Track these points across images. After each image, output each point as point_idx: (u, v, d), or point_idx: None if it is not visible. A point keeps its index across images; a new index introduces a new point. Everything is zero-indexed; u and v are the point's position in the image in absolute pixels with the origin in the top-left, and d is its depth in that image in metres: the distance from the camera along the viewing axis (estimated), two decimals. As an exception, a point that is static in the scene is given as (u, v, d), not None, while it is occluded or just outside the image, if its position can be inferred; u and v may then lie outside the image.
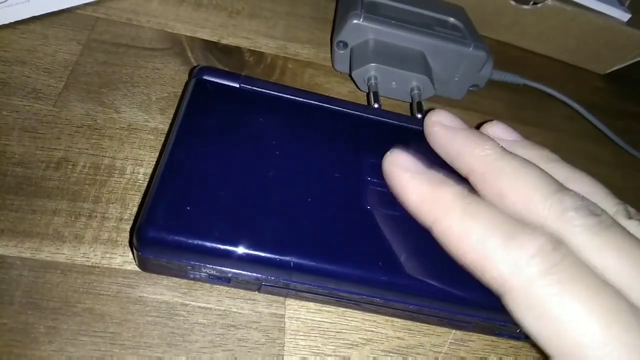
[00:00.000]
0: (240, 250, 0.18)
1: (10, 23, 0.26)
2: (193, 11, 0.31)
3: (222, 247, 0.18)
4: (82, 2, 0.28)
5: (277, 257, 0.18)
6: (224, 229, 0.18)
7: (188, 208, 0.18)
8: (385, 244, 0.20)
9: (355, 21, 0.28)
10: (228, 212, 0.18)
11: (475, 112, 0.32)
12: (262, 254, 0.18)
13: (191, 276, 0.19)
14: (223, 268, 0.18)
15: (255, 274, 0.19)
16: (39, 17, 0.27)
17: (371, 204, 0.21)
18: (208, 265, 0.18)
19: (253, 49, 0.30)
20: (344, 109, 0.24)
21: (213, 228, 0.18)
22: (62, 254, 0.20)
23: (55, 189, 0.21)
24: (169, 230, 0.17)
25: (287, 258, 0.18)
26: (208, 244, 0.18)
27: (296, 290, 0.20)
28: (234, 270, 0.19)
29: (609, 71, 0.40)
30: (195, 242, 0.18)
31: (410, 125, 0.25)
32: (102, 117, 0.24)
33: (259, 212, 0.19)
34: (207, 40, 0.30)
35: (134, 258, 0.19)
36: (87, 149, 0.23)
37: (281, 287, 0.20)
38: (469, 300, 0.20)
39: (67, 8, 0.28)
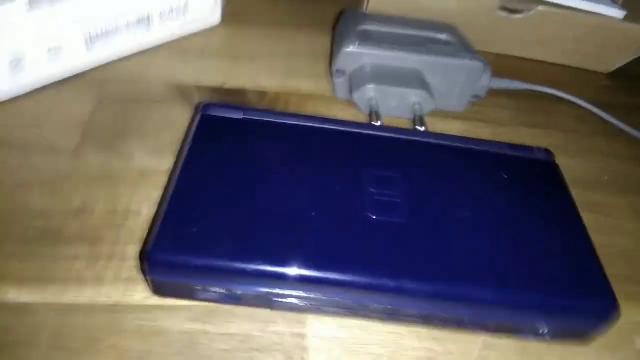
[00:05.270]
0: (245, 265, 0.18)
1: (26, 92, 0.28)
2: (196, 60, 0.33)
3: (227, 264, 0.18)
4: (91, 66, 0.30)
5: (282, 270, 0.19)
6: (229, 246, 0.19)
7: (194, 230, 0.19)
8: (391, 250, 0.20)
9: (349, 49, 0.29)
10: (233, 231, 0.19)
11: (480, 121, 0.33)
12: (268, 268, 0.18)
13: (202, 297, 0.20)
14: (231, 286, 0.19)
15: (262, 289, 0.19)
16: (53, 84, 0.29)
17: (376, 214, 0.21)
18: (216, 284, 0.19)
19: (256, 88, 0.32)
20: (345, 128, 0.25)
21: (218, 246, 0.18)
22: (85, 296, 0.20)
23: (75, 236, 0.22)
24: (175, 251, 0.18)
25: (293, 270, 0.19)
26: (214, 262, 0.18)
27: (309, 304, 0.20)
28: (242, 287, 0.19)
29: (613, 69, 0.40)
30: (201, 261, 0.18)
31: (411, 138, 0.25)
32: (116, 165, 0.25)
33: (263, 229, 0.19)
34: (211, 86, 0.31)
35: (147, 283, 0.20)
36: (103, 196, 0.24)
37: (293, 302, 0.20)
38: (483, 299, 0.20)
39: (77, 73, 0.30)
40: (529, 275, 0.21)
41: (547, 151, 0.26)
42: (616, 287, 0.21)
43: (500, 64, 0.37)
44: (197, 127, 0.23)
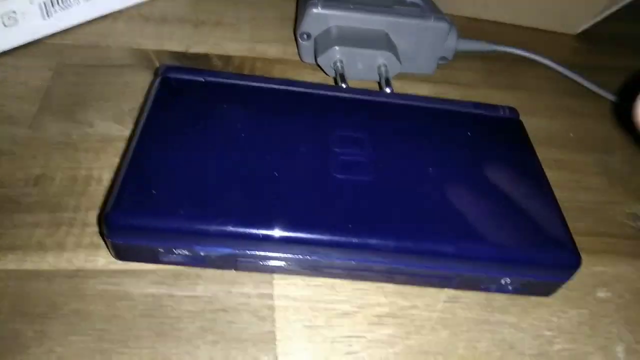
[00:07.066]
0: (206, 226, 0.18)
1: (-18, 60, 0.27)
2: (158, 27, 0.32)
3: (188, 225, 0.18)
4: (50, 32, 0.29)
5: (245, 230, 0.18)
6: (189, 207, 0.18)
7: (154, 191, 0.18)
8: (356, 207, 0.20)
9: (314, 10, 0.29)
10: (194, 192, 0.19)
11: (449, 84, 0.33)
12: (229, 229, 0.18)
13: (166, 260, 0.19)
14: (193, 247, 0.19)
15: (226, 250, 0.19)
16: (9, 52, 0.28)
17: (341, 173, 0.21)
18: (177, 245, 0.19)
19: (221, 53, 0.31)
20: (310, 90, 0.25)
21: (179, 207, 0.18)
22: (46, 261, 0.20)
23: (35, 204, 0.22)
24: (134, 212, 0.18)
25: (256, 230, 0.18)
26: (174, 223, 0.18)
27: (275, 263, 0.20)
28: (204, 248, 0.19)
29: (580, 30, 0.40)
30: (161, 222, 0.18)
31: (376, 99, 0.25)
32: (76, 132, 0.25)
33: (225, 190, 0.19)
34: (174, 51, 0.30)
35: (108, 247, 0.20)
36: (64, 164, 0.23)
37: (259, 262, 0.20)
38: (446, 253, 0.20)
39: (36, 40, 0.29)
40: (492, 229, 0.21)
41: (512, 109, 0.27)
42: (578, 239, 0.21)
43: (470, 27, 0.37)
44: (157, 90, 0.23)
